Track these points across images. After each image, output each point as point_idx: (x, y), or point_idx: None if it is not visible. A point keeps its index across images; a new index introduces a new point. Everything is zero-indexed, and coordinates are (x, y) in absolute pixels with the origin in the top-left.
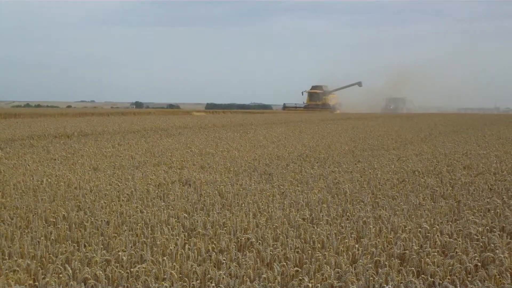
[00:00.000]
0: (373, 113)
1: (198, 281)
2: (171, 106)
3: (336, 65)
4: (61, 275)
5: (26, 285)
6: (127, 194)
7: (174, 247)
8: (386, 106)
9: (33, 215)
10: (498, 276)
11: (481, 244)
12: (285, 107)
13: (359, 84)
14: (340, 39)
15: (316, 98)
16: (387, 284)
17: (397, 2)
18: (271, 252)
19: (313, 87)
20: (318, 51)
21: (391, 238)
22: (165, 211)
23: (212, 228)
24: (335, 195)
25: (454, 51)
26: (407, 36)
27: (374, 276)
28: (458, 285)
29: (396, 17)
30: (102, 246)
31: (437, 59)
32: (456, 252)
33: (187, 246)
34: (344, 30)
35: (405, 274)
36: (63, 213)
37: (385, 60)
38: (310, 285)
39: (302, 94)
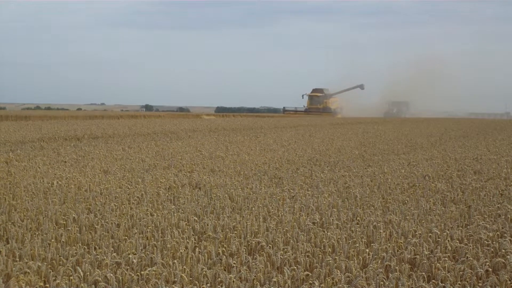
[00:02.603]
0: (376, 118)
1: (208, 285)
2: (181, 109)
3: (346, 67)
4: (71, 277)
5: (37, 287)
6: (138, 197)
7: (184, 250)
8: (389, 110)
9: (43, 217)
10: (509, 282)
11: (491, 249)
12: (284, 111)
13: (361, 87)
14: (351, 41)
15: (317, 102)
16: None
17: (405, 3)
18: (281, 256)
19: (314, 90)
20: (328, 54)
21: (401, 242)
22: (175, 214)
23: (222, 231)
24: (346, 200)
25: (463, 54)
26: (414, 39)
27: (384, 280)
28: None
29: (404, 19)
30: (112, 249)
31: (446, 62)
32: (467, 257)
33: (197, 249)
34: (355, 33)
35: (415, 279)
36: (73, 215)
37: (391, 62)
38: None
39: (303, 98)
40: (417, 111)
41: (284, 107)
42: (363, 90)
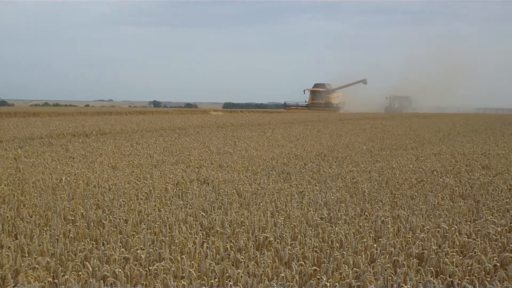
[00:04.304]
0: (378, 113)
1: (216, 280)
2: (188, 105)
3: (353, 64)
4: (80, 273)
5: (45, 283)
6: (146, 192)
7: (192, 246)
8: (390, 105)
9: (52, 213)
10: None
11: (500, 244)
12: (286, 106)
13: (364, 81)
14: (356, 39)
15: (319, 97)
16: (405, 284)
17: (412, 2)
18: (289, 251)
19: (316, 85)
20: (335, 51)
21: (409, 237)
22: (183, 210)
23: (230, 227)
24: (353, 195)
25: (469, 51)
26: (418, 36)
27: (392, 275)
28: (477, 285)
29: (412, 17)
30: (120, 244)
31: (452, 58)
32: (475, 252)
33: (205, 244)
34: (361, 31)
35: (423, 274)
36: (81, 211)
37: (394, 58)
38: (328, 284)
39: (304, 93)
40: (419, 106)
41: (285, 102)
42: (366, 85)
